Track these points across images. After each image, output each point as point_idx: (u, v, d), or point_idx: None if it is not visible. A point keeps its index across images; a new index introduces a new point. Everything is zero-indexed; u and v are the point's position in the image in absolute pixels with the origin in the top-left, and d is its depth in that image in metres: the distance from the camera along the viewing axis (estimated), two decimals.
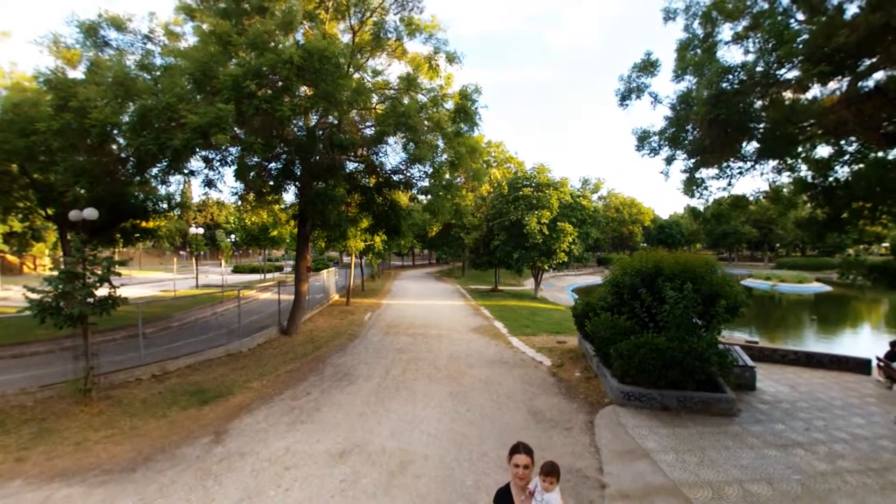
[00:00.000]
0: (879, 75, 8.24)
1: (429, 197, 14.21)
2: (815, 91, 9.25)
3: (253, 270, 42.70)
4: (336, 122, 11.45)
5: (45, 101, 13.61)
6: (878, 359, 11.70)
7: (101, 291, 9.37)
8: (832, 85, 8.25)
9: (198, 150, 10.20)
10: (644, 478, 6.50)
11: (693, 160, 9.30)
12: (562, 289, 44.96)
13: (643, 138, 9.44)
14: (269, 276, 37.86)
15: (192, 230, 27.59)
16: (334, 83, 9.66)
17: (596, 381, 10.72)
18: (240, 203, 18.25)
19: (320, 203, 11.64)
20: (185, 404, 9.32)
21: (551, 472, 3.35)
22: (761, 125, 7.82)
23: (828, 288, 49.11)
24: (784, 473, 6.68)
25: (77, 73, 13.81)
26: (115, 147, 13.98)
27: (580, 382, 10.71)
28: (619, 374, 9.39)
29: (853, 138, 10.28)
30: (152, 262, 59.89)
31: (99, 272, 9.17)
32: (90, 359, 9.26)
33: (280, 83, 9.94)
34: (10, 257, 47.29)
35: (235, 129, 11.58)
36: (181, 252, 56.75)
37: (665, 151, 9.39)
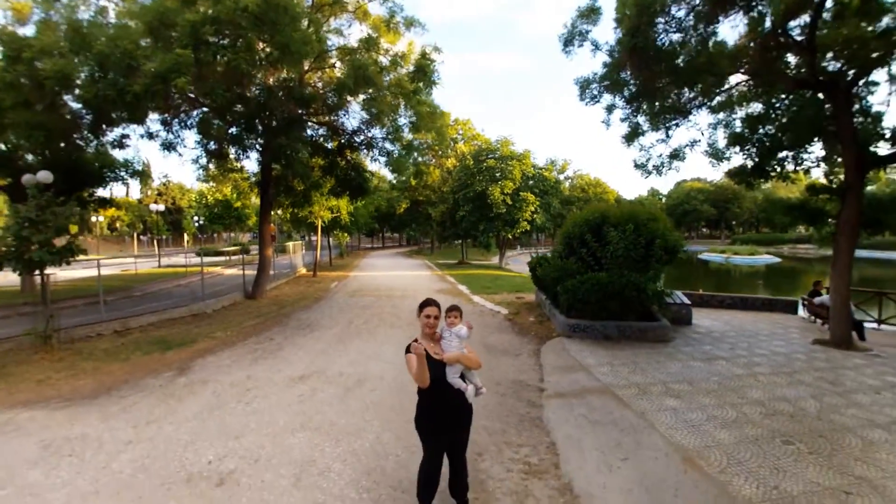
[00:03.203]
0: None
1: (390, 157, 14.49)
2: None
3: (218, 253, 41.95)
4: (296, 77, 11.60)
5: None
6: (803, 298, 12.87)
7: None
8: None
9: (158, 97, 10.05)
10: (579, 383, 7.17)
11: (631, 108, 9.97)
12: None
13: (584, 86, 10.03)
14: (234, 258, 37.30)
15: (153, 207, 26.98)
16: (291, 34, 9.81)
17: (548, 323, 11.42)
18: (201, 172, 18.07)
19: (283, 156, 11.80)
20: (148, 350, 9.48)
21: (454, 308, 3.77)
22: (679, 58, 8.49)
23: (778, 260, 52.08)
24: (705, 376, 7.49)
25: (28, 30, 13.37)
26: (70, 106, 13.65)
27: (533, 325, 11.38)
28: (566, 309, 10.09)
29: (784, 96, 11.20)
30: (111, 249, 57.76)
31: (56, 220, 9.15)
32: (49, 306, 9.29)
33: (238, 32, 10.00)
34: None
35: (193, 87, 11.51)
36: (142, 237, 55.04)
37: (605, 99, 10.04)
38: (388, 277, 23.58)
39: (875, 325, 12.25)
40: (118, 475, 4.55)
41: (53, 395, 7.06)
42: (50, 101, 11.95)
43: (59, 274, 18.37)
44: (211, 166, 18.08)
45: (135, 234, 41.45)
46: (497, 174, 27.14)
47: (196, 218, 37.43)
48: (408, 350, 3.63)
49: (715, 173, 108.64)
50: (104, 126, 14.06)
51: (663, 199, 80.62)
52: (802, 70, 8.90)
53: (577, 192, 67.16)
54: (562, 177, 47.69)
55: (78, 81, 12.06)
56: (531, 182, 28.30)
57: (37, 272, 9.07)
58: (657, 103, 9.76)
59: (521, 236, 30.04)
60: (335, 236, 29.81)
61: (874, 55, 8.53)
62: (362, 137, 14.48)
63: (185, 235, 42.99)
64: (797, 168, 10.90)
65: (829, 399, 6.59)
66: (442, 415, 3.58)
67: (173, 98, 11.83)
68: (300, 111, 12.39)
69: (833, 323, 9.65)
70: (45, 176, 12.99)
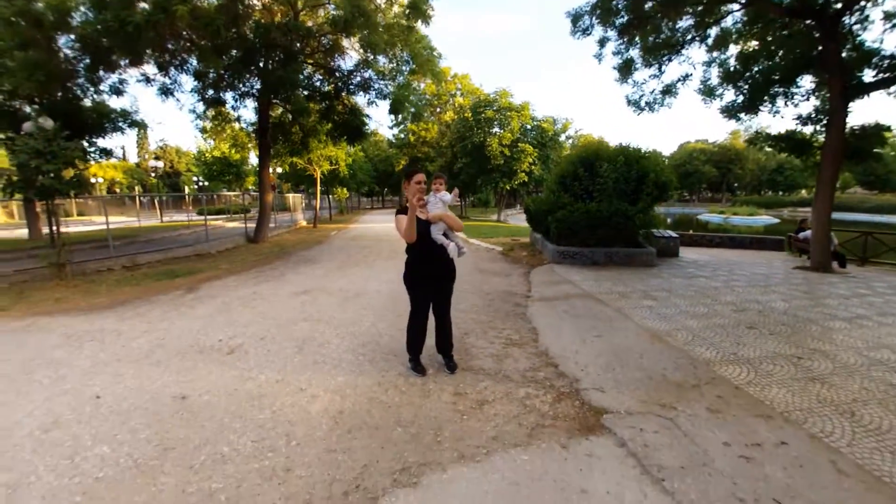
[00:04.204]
0: None
1: (387, 100, 14.56)
2: None
3: (219, 212, 42.26)
4: (291, 14, 11.57)
5: None
6: (789, 235, 13.23)
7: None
8: None
9: (160, 26, 9.97)
10: (564, 291, 7.62)
11: (623, 40, 10.03)
12: None
13: (576, 19, 10.05)
14: (235, 215, 37.58)
15: (153, 163, 27.18)
16: None
17: (540, 256, 11.81)
18: (198, 122, 18.18)
19: (281, 89, 11.91)
20: (157, 278, 9.94)
21: (440, 175, 4.16)
22: None
23: (776, 221, 52.18)
24: (683, 287, 7.93)
25: None
26: (66, 52, 13.69)
27: (525, 257, 11.79)
28: (556, 238, 10.46)
29: (777, 30, 11.21)
30: (112, 212, 58.07)
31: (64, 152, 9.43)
32: (60, 237, 9.70)
33: None
34: None
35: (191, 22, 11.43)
36: (142, 199, 55.15)
37: (597, 32, 10.10)
38: (387, 228, 23.91)
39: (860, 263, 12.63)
40: (137, 350, 5.02)
41: (72, 308, 7.53)
42: (47, 42, 12.01)
43: (64, 230, 18.76)
44: (208, 116, 18.19)
45: (137, 195, 41.72)
46: (495, 125, 27.07)
47: (196, 179, 37.54)
48: (398, 213, 4.01)
49: (719, 134, 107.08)
50: (101, 69, 14.11)
51: (665, 161, 79.76)
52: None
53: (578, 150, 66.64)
54: (563, 136, 47.33)
55: (75, 23, 12.11)
56: (530, 134, 28.23)
57: (46, 205, 9.38)
58: (650, 37, 9.82)
59: (520, 189, 29.97)
60: (334, 192, 29.96)
61: None
62: (358, 79, 14.53)
63: (186, 189, 42.90)
64: (787, 103, 11.03)
65: (798, 302, 7.04)
66: (426, 268, 3.99)
67: (171, 36, 11.83)
68: (297, 45, 12.39)
69: (813, 248, 10.02)
70: (45, 122, 13.24)
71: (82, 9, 11.34)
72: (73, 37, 12.65)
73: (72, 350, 5.14)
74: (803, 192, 75.65)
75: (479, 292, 7.63)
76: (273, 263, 11.62)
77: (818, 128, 10.38)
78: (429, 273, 4.00)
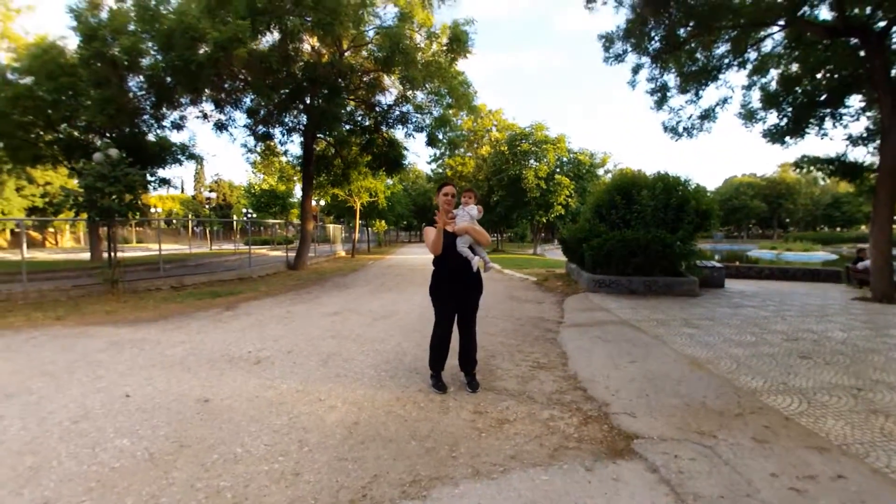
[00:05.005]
0: None
1: (424, 132, 15.02)
2: None
3: (264, 242, 44.36)
4: (337, 53, 12.31)
5: (70, 50, 14.81)
6: (847, 267, 12.33)
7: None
8: None
9: (221, 65, 10.83)
10: (598, 318, 7.33)
11: (656, 65, 9.94)
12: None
13: (608, 44, 10.04)
14: (279, 245, 39.22)
15: (207, 195, 28.98)
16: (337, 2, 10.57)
17: (575, 285, 11.49)
18: (249, 155, 19.29)
19: (325, 122, 12.57)
20: (200, 297, 10.36)
21: (469, 190, 4.18)
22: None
23: (834, 257, 48.88)
24: (728, 316, 7.45)
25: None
26: (135, 91, 15.03)
27: (559, 286, 11.49)
28: (591, 266, 10.17)
29: (819, 50, 10.83)
30: (166, 240, 61.80)
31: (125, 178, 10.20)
32: (116, 255, 10.34)
33: (288, 6, 10.83)
34: (32, 233, 48.94)
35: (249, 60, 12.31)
36: (196, 230, 58.56)
37: (631, 58, 10.06)
38: (423, 259, 24.14)
39: None
40: (171, 357, 5.18)
41: (119, 320, 7.92)
42: (119, 81, 13.24)
43: (121, 255, 20.28)
44: (258, 150, 19.31)
45: (189, 225, 44.49)
46: (531, 158, 27.15)
47: (246, 211, 39.70)
48: (427, 226, 4.06)
49: (767, 168, 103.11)
50: (164, 107, 15.34)
51: (709, 194, 76.75)
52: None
53: None
54: (602, 171, 46.94)
55: (143, 63, 13.34)
56: (566, 167, 28.10)
57: (107, 224, 10.08)
58: (685, 61, 9.69)
59: (557, 223, 29.45)
60: (372, 224, 30.63)
61: None
62: (397, 113, 15.11)
63: (234, 220, 45.17)
64: (836, 124, 10.52)
65: (858, 332, 6.45)
66: (451, 280, 3.96)
67: (229, 74, 12.78)
68: (340, 81, 13.09)
69: (874, 278, 9.26)
70: (114, 153, 14.45)
71: (152, 52, 12.48)
72: (141, 77, 13.87)
73: (113, 354, 5.37)
74: (863, 227, 70.85)
75: (510, 318, 7.46)
76: (309, 287, 11.89)
77: (871, 148, 9.79)
78: (454, 284, 3.95)
